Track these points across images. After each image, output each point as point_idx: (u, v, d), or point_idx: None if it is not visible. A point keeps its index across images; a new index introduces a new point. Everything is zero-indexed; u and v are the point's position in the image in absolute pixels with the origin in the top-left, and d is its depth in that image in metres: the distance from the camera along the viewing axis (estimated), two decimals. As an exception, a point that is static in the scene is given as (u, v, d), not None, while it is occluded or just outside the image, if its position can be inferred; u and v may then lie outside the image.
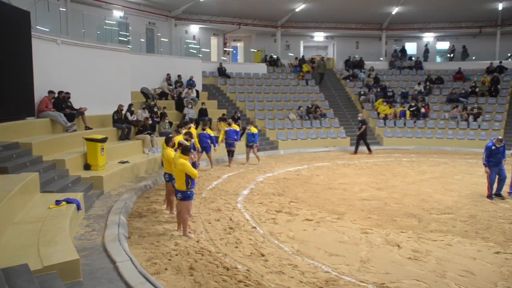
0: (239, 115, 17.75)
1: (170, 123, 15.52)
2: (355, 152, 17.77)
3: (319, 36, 28.98)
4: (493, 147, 9.98)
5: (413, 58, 26.83)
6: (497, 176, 10.06)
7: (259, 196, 10.07)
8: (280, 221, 8.06)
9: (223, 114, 16.79)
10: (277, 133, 19.12)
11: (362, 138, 17.70)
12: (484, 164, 10.08)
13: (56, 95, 11.84)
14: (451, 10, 23.75)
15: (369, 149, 17.82)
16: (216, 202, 9.40)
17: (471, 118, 20.26)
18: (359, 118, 18.31)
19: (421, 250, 6.58)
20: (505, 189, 10.19)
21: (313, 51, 29.37)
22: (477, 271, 5.85)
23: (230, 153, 14.44)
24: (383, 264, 6.04)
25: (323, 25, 27.37)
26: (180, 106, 17.40)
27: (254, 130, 14.80)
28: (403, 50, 27.53)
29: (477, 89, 22.30)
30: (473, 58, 26.01)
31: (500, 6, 22.32)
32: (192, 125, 12.51)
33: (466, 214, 8.69)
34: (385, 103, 21.71)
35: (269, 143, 18.59)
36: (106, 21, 18.72)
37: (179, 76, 19.28)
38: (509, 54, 24.94)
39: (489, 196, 10.01)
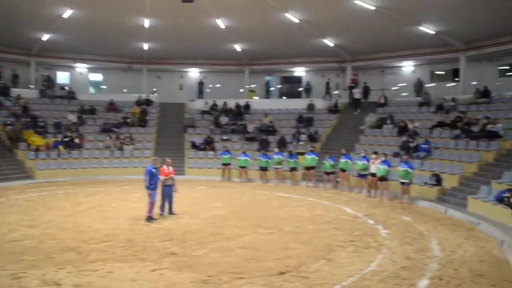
0: None
1: None
2: None
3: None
4: (153, 170, 10.94)
5: (66, 88, 26.44)
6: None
7: None
8: None
9: None
10: None
11: None
12: (147, 187, 10.83)
13: None
14: (103, 44, 24.86)
15: None
16: None
17: (124, 146, 21.62)
18: None
19: (82, 283, 6.39)
20: (157, 211, 11.25)
21: None
22: (137, 291, 6.14)
23: None
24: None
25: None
26: None
27: None
28: (50, 79, 26.31)
29: (128, 120, 24.07)
30: (125, 90, 27.96)
31: (146, 46, 25.06)
32: None
33: (124, 239, 9.05)
34: (36, 135, 20.35)
35: None
36: None
37: None
38: (154, 89, 28.14)
39: (149, 218, 10.78)
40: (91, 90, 29.24)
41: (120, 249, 8.27)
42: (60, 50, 25.68)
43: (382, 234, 9.83)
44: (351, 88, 24.87)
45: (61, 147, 20.35)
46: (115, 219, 11.04)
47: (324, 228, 10.37)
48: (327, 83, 26.91)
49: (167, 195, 11.45)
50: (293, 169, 18.53)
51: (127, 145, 21.86)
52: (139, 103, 25.89)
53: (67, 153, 20.35)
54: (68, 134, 21.11)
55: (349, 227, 10.56)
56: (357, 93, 24.21)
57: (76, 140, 21.06)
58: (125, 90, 28.15)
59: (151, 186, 10.86)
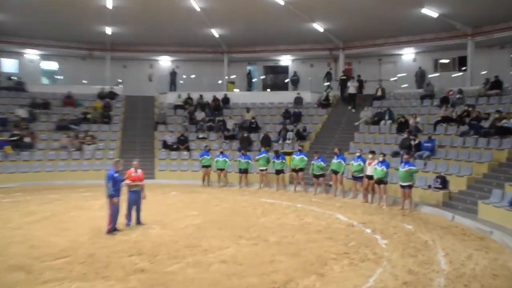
0: None
1: None
2: None
3: None
4: (115, 174, 10.67)
5: (14, 78, 25.91)
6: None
7: None
8: None
9: None
10: None
11: None
12: (111, 195, 10.52)
13: None
14: (58, 28, 24.31)
15: None
16: None
17: (84, 146, 21.27)
18: None
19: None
20: (122, 221, 11.06)
21: None
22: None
23: None
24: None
25: None
26: None
27: None
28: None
29: (89, 116, 23.71)
30: (86, 82, 27.53)
31: (109, 31, 24.65)
32: None
33: (84, 254, 8.85)
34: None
35: None
36: None
37: None
38: (119, 80, 27.80)
39: (112, 230, 10.54)
40: (45, 80, 28.77)
41: (79, 266, 8.09)
42: (6, 33, 25.04)
43: (380, 245, 9.82)
44: (343, 81, 24.69)
45: (7, 148, 20.01)
46: (74, 231, 10.82)
47: (315, 238, 10.33)
48: (329, 74, 26.86)
49: (134, 202, 11.25)
50: (279, 172, 18.44)
51: (87, 144, 21.55)
52: (101, 96, 25.57)
53: (15, 155, 20.05)
54: (17, 132, 20.79)
55: (343, 237, 10.53)
56: (352, 87, 23.87)
57: (27, 139, 20.76)
58: (85, 81, 27.80)
59: (115, 193, 10.61)
